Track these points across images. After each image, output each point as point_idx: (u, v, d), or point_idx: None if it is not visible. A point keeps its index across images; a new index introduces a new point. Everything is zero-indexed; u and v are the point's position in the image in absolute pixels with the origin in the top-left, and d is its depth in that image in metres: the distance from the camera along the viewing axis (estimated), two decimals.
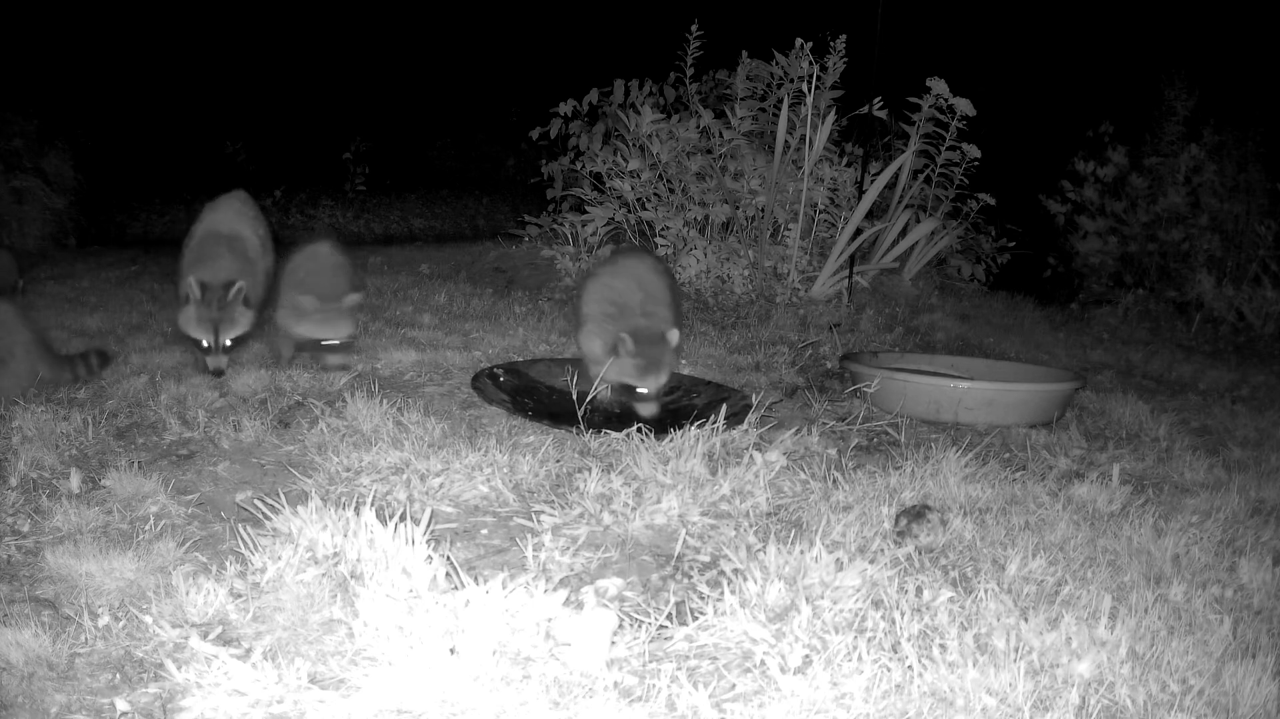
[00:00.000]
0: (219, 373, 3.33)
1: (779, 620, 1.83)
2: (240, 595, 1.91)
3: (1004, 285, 6.95)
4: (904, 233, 5.98)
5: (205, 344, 3.31)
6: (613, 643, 1.73)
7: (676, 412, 3.25)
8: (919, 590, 1.97)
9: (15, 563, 2.09)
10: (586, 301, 3.32)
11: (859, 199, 5.46)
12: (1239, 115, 7.05)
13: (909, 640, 1.76)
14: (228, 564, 2.02)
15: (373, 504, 2.07)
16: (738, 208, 5.55)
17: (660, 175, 5.71)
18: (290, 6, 11.95)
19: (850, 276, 5.43)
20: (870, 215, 5.66)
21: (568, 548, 2.19)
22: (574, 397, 3.07)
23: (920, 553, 2.22)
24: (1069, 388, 3.62)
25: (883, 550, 2.19)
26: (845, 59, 5.55)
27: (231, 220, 3.62)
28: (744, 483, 2.52)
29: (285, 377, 3.42)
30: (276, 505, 2.10)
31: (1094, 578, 2.13)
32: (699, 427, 2.76)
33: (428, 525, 1.98)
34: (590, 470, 2.54)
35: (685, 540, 2.25)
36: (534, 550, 2.13)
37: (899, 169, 5.80)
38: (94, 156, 8.80)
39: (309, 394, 3.27)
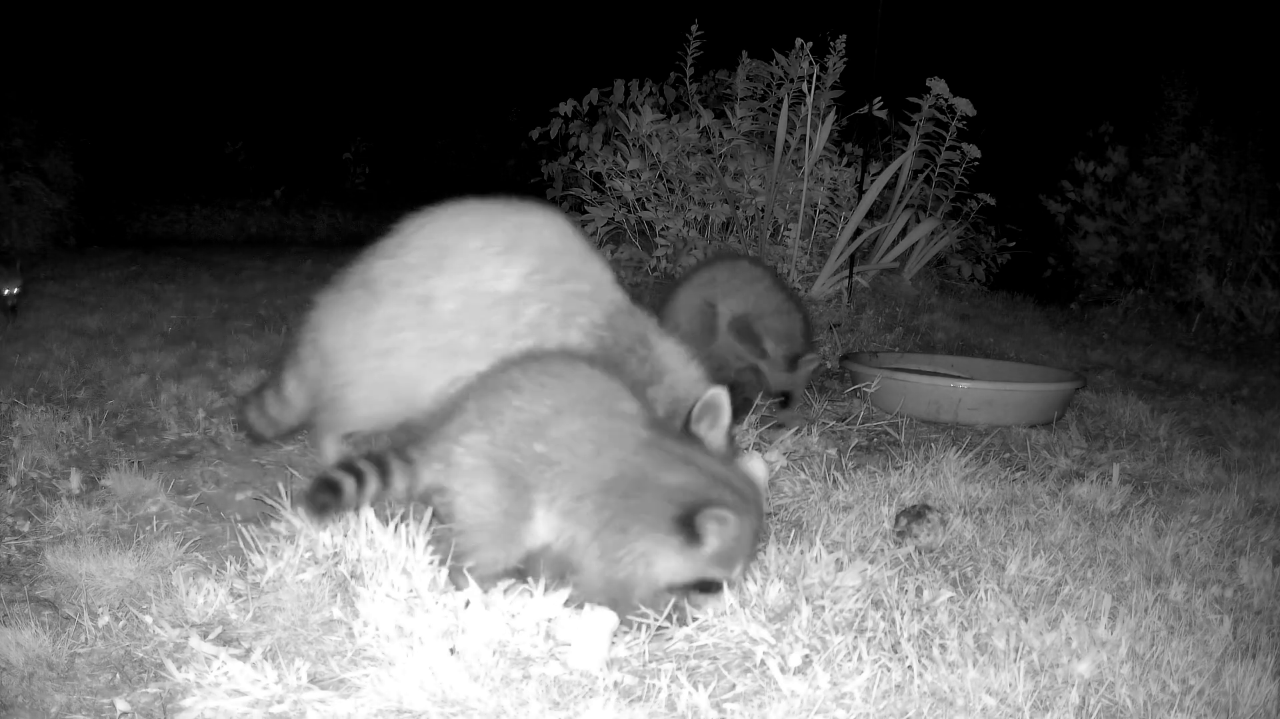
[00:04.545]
0: None
1: (779, 620, 1.83)
2: (240, 595, 1.91)
3: (1004, 285, 6.95)
4: (904, 233, 5.98)
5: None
6: (612, 643, 1.73)
7: None
8: (919, 590, 1.97)
9: (15, 563, 2.09)
10: None
11: (859, 199, 5.46)
12: (1239, 115, 7.05)
13: (909, 640, 1.75)
14: (228, 564, 2.02)
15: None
16: (738, 208, 5.55)
17: (660, 175, 5.71)
18: (290, 6, 11.95)
19: (850, 276, 5.43)
20: (870, 215, 5.66)
21: None
22: None
23: (920, 553, 2.22)
24: (1069, 388, 3.62)
25: (883, 550, 2.19)
26: (845, 59, 5.55)
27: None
28: None
29: None
30: (277, 505, 2.10)
31: (1094, 578, 2.13)
32: None
33: (428, 525, 1.98)
34: None
35: None
36: None
37: (899, 169, 5.80)
38: (94, 156, 8.80)
39: None
